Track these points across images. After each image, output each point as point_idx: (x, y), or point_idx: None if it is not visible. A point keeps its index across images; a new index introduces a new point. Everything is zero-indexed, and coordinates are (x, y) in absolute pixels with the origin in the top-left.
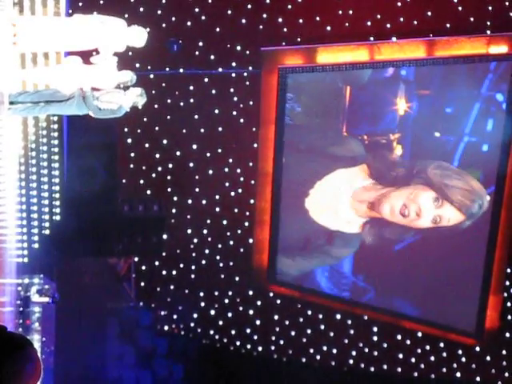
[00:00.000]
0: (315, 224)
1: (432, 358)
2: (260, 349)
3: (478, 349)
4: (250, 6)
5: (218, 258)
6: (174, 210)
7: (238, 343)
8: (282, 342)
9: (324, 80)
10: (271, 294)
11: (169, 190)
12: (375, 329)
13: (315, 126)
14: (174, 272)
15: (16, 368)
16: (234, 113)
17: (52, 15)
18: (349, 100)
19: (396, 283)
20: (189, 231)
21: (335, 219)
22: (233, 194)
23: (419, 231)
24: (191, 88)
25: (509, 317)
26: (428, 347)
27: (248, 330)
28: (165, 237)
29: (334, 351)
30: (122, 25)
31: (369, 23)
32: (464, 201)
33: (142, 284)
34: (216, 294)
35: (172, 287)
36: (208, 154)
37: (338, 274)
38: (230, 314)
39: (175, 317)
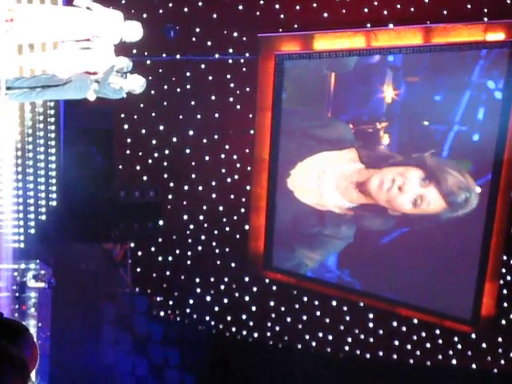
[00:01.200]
0: (302, 204)
1: (428, 345)
2: (256, 335)
3: (473, 336)
4: None
5: (214, 244)
6: (170, 196)
7: (233, 329)
8: (277, 329)
9: (308, 66)
10: (267, 281)
11: (165, 176)
12: (371, 315)
13: (299, 112)
14: (170, 258)
15: (13, 353)
16: (231, 99)
17: (49, 2)
18: (334, 87)
19: (384, 276)
20: (185, 217)
21: (322, 201)
22: (229, 180)
23: (407, 220)
24: (188, 74)
25: (505, 304)
26: (424, 334)
27: (244, 317)
28: (161, 223)
29: (330, 338)
30: (118, 17)
31: (366, 10)
32: (452, 188)
33: (138, 270)
34: (212, 280)
35: (168, 273)
36: (204, 140)
37: (322, 268)
38: (225, 300)
39: (171, 303)
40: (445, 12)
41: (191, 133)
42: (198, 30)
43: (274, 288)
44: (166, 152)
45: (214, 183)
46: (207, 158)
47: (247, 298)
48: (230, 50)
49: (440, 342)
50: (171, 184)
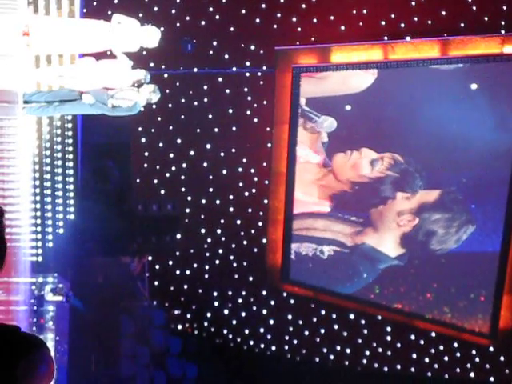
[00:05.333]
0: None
1: (446, 358)
2: (273, 348)
3: (491, 349)
4: (264, 6)
5: (231, 257)
6: (187, 210)
7: (251, 343)
8: (295, 342)
9: None
10: (285, 294)
11: (183, 189)
12: (389, 329)
13: None
14: (188, 271)
15: (30, 368)
16: (248, 112)
17: (66, 14)
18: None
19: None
20: (202, 231)
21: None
22: (246, 193)
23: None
24: (205, 87)
25: None
26: (442, 347)
27: (261, 330)
28: (178, 236)
29: (348, 351)
30: (135, 25)
31: (383, 23)
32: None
33: (156, 283)
34: (229, 293)
35: (186, 287)
36: (222, 154)
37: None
38: (243, 314)
39: (189, 316)
40: (462, 24)
41: (208, 146)
42: (215, 43)
43: (292, 301)
44: (184, 165)
45: (231, 197)
46: (224, 171)
47: (265, 312)
48: (247, 63)
49: (458, 355)
50: (189, 198)
